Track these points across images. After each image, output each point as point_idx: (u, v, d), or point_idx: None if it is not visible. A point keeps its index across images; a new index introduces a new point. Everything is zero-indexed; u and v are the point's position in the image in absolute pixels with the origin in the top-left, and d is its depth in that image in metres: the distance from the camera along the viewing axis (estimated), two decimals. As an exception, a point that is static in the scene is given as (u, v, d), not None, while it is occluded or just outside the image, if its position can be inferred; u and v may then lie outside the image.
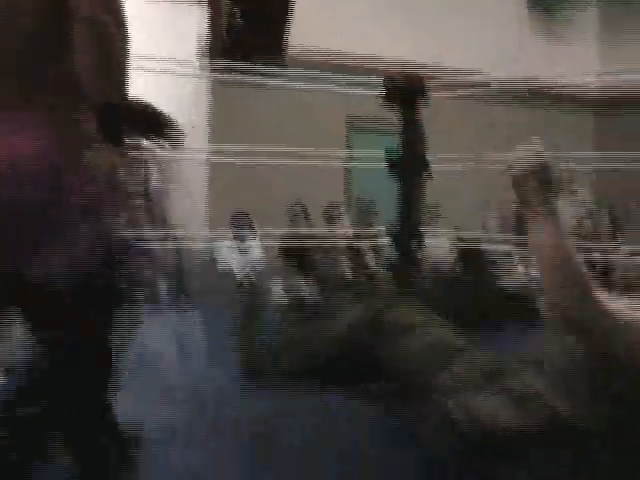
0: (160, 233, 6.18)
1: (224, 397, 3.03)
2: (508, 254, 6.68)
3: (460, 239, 6.26)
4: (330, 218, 6.91)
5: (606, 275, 6.92)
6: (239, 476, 2.34)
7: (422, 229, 4.20)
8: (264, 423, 2.74)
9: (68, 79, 1.84)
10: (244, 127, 7.61)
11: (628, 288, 6.41)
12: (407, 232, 4.05)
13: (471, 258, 6.11)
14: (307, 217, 6.87)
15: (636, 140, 7.62)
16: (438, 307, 2.56)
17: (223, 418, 2.80)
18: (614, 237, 7.51)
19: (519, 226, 7.65)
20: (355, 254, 6.46)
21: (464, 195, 8.17)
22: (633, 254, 6.64)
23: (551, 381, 2.00)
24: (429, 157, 4.10)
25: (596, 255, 6.93)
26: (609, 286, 6.68)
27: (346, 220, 7.03)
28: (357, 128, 8.42)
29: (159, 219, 6.56)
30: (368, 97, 4.54)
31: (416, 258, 4.08)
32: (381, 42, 8.74)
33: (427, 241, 4.47)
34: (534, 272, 6.34)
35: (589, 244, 7.07)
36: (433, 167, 4.10)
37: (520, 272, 6.45)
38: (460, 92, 6.16)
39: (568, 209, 8.32)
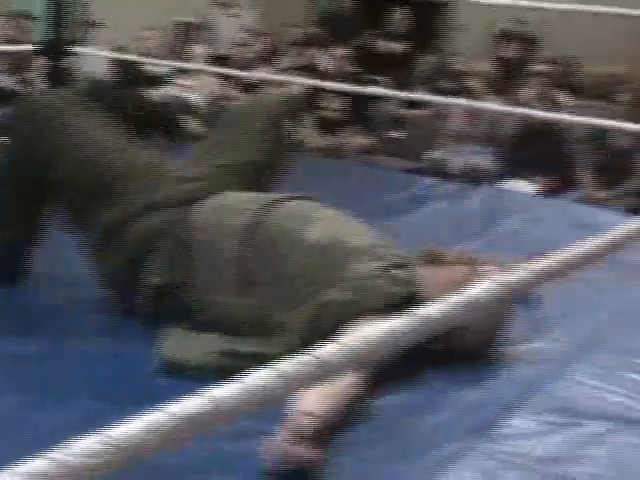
0: None
1: None
2: (167, 75, 7.01)
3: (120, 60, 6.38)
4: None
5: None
6: None
7: (74, 47, 4.37)
8: None
9: None
10: None
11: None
12: (57, 48, 4.24)
13: (128, 74, 6.36)
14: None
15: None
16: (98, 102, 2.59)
17: None
18: (272, 60, 8.02)
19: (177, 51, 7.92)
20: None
21: (133, 15, 8.08)
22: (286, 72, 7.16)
23: None
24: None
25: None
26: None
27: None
28: None
29: None
30: None
31: (68, 72, 4.29)
32: None
33: (83, 58, 4.62)
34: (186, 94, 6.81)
35: (249, 65, 7.53)
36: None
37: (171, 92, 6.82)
38: None
39: (231, 26, 8.69)
